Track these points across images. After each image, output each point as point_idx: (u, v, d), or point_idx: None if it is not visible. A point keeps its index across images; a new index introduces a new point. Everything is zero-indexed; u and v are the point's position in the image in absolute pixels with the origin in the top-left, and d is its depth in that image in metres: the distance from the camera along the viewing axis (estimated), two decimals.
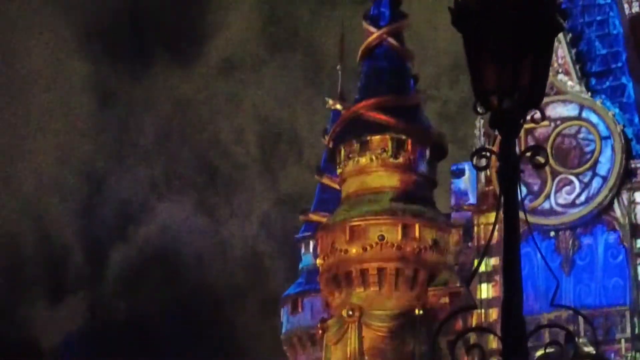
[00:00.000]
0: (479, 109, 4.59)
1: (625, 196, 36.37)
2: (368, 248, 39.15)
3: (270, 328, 56.06)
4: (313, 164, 51.46)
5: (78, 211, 59.83)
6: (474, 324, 35.41)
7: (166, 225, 57.56)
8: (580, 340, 25.67)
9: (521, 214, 4.60)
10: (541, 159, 4.48)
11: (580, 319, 30.29)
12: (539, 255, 34.53)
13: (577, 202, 36.63)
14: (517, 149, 4.62)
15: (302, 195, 54.21)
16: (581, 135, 37.08)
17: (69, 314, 56.63)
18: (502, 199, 4.54)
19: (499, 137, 4.72)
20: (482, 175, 38.19)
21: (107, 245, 58.47)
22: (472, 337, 22.84)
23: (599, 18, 39.41)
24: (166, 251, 58.46)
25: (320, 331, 40.37)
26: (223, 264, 58.53)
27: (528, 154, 4.42)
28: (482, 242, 37.16)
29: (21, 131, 62.02)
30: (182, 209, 58.42)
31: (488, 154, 4.46)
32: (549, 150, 35.42)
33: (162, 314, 58.46)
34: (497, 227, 4.68)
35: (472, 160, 4.50)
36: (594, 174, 36.61)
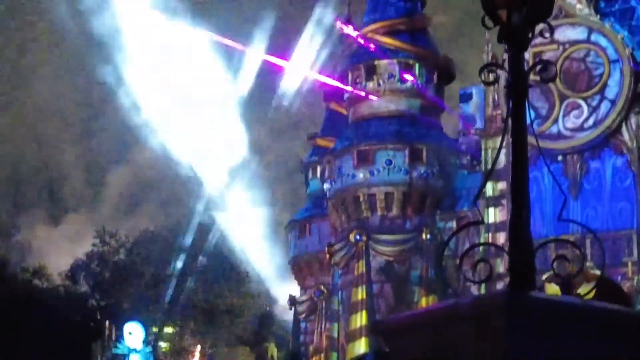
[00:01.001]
0: (487, 23, 4.53)
1: (633, 120, 36.22)
2: (375, 173, 39.20)
3: (272, 255, 56.38)
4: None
5: (77, 136, 59.95)
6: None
7: (165, 149, 57.66)
8: (587, 264, 25.72)
9: (530, 138, 4.57)
10: (549, 74, 4.44)
11: (588, 243, 30.43)
12: (546, 180, 34.49)
13: (585, 126, 36.50)
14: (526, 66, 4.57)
15: (305, 120, 54.16)
16: (590, 59, 36.83)
17: (70, 236, 56.99)
18: (510, 118, 4.50)
19: (506, 54, 4.68)
20: (490, 99, 38.06)
21: (105, 169, 58.75)
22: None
23: None
24: (165, 176, 58.69)
25: (327, 255, 40.60)
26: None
27: (537, 68, 4.37)
28: (490, 166, 37.15)
29: (21, 62, 61.90)
30: (180, 135, 58.49)
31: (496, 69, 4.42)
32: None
33: (160, 236, 58.88)
34: (504, 151, 4.66)
35: (480, 76, 4.45)
36: (602, 98, 36.42)
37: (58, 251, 56.24)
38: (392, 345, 4.18)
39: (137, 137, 58.15)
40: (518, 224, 4.22)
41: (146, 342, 22.96)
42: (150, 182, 58.36)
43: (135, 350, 22.78)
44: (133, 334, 23.23)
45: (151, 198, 59.32)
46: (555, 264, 4.25)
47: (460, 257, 4.02)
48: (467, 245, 35.11)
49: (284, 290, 50.58)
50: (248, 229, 60.00)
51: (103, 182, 58.59)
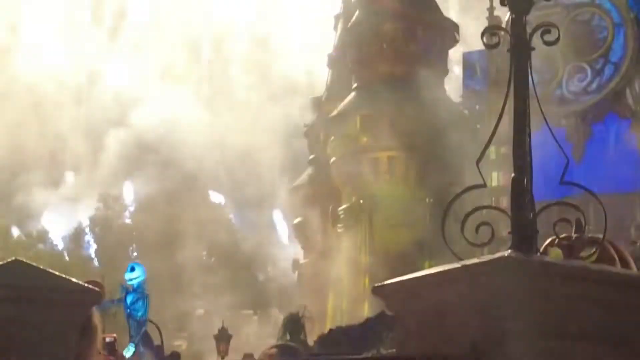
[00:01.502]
0: None
1: (637, 83, 36.15)
2: (379, 137, 39.16)
3: (269, 220, 56.48)
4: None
5: (76, 99, 59.84)
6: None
7: (162, 114, 57.61)
8: (590, 227, 25.75)
9: (532, 101, 4.56)
10: (552, 37, 4.43)
11: (591, 207, 30.42)
12: (549, 144, 34.43)
13: (589, 89, 36.44)
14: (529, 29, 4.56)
15: (302, 85, 53.96)
16: (594, 22, 36.71)
17: (71, 199, 57.08)
18: (512, 81, 4.49)
19: (509, 16, 4.65)
20: (493, 62, 37.96)
21: (103, 133, 58.72)
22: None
23: None
24: (162, 141, 58.68)
25: (330, 219, 40.66)
26: (220, 156, 58.69)
27: (540, 31, 4.37)
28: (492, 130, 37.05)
29: (18, 25, 61.70)
30: (178, 99, 58.37)
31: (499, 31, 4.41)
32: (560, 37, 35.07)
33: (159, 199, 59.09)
34: (507, 115, 4.65)
35: (482, 39, 4.44)
36: (606, 61, 36.33)
37: (59, 214, 56.36)
38: (395, 309, 4.19)
39: (136, 99, 58.13)
40: (520, 187, 4.22)
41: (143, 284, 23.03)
42: (148, 144, 58.41)
43: (132, 288, 22.86)
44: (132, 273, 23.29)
45: (149, 160, 59.38)
46: (557, 227, 4.26)
47: (463, 220, 4.03)
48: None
49: (288, 254, 50.72)
50: None
51: (102, 145, 58.61)
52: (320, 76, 49.69)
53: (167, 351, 25.73)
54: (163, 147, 58.69)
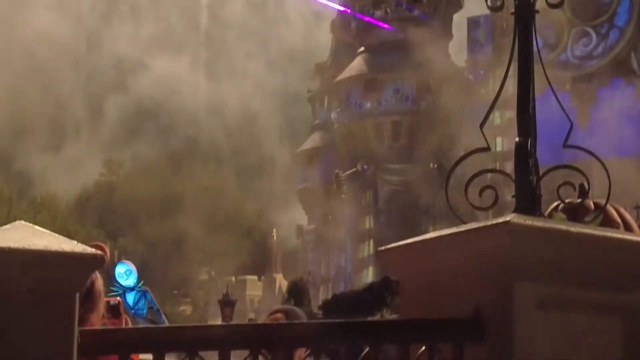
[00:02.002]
0: None
1: None
2: (383, 102, 39.11)
3: (270, 187, 56.41)
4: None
5: (75, 65, 59.74)
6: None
7: (161, 80, 57.51)
8: (594, 192, 25.74)
9: (537, 66, 4.54)
10: (557, 0, 4.39)
11: (595, 171, 30.40)
12: (554, 109, 34.34)
13: (594, 54, 36.35)
14: None
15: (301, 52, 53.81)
16: None
17: (71, 164, 57.08)
18: (516, 45, 4.46)
19: None
20: (498, 27, 37.83)
21: (103, 98, 58.67)
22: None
23: None
24: (161, 106, 58.64)
25: (335, 185, 40.69)
26: (219, 122, 58.60)
27: None
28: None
29: None
30: (177, 65, 58.24)
31: None
32: (565, 1, 34.96)
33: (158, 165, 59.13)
34: (511, 79, 4.63)
35: (486, 1, 4.40)
36: (611, 26, 36.20)
37: (60, 180, 56.40)
38: (398, 274, 4.19)
39: (136, 65, 58.06)
40: (524, 150, 4.20)
41: (137, 279, 23.18)
42: (148, 110, 58.40)
43: (129, 288, 23.01)
44: (125, 272, 23.42)
45: (150, 127, 59.39)
46: (561, 191, 4.24)
47: (467, 184, 4.01)
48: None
49: (290, 219, 50.75)
50: None
51: (101, 110, 58.59)
52: (320, 43, 49.57)
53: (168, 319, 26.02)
54: (162, 112, 58.76)
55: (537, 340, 3.63)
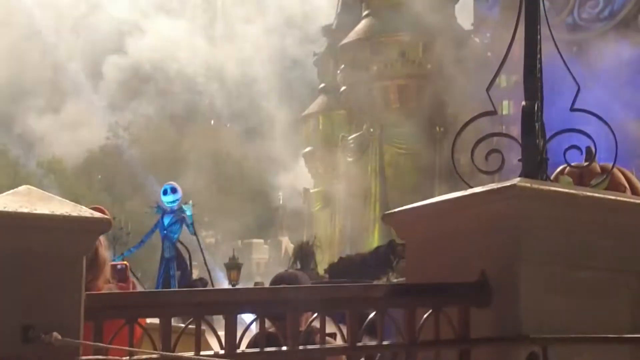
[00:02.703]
0: None
1: None
2: (389, 65, 38.99)
3: (274, 150, 56.35)
4: None
5: (74, 28, 59.60)
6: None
7: (159, 42, 57.37)
8: (601, 155, 25.68)
9: (544, 29, 4.52)
10: None
11: (602, 135, 30.33)
12: (561, 72, 34.23)
13: (601, 16, 36.16)
14: None
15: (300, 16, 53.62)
16: None
17: (72, 125, 57.09)
18: (523, 6, 4.45)
19: None
20: None
21: (101, 60, 58.58)
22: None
23: None
24: (159, 69, 58.56)
25: (340, 148, 40.66)
26: (219, 86, 58.50)
27: None
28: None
29: None
30: (175, 28, 58.06)
31: None
32: None
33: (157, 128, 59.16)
34: (518, 42, 4.61)
35: None
36: None
37: (65, 144, 56.40)
38: (404, 237, 4.20)
39: (134, 28, 57.92)
40: (531, 113, 4.20)
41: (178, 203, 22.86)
42: (147, 73, 58.37)
43: (168, 211, 22.76)
44: (168, 193, 23.23)
45: (148, 89, 59.37)
46: (567, 154, 4.24)
47: (473, 147, 4.01)
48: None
49: (296, 183, 50.74)
50: None
51: (100, 73, 58.56)
52: (320, 5, 49.44)
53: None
54: (162, 75, 58.72)
55: (543, 303, 3.64)
